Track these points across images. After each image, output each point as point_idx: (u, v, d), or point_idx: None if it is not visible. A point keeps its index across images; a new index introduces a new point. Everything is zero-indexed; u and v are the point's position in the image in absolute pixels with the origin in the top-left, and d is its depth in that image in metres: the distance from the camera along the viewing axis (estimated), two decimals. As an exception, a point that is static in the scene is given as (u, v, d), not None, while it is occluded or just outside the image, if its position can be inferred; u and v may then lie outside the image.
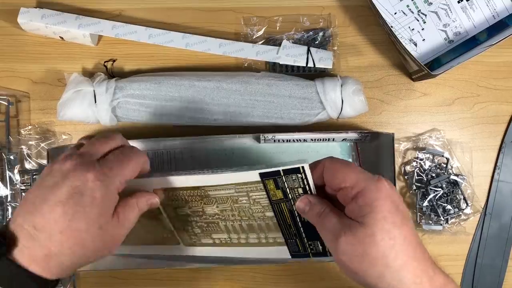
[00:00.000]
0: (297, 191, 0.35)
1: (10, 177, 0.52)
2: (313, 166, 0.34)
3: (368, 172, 0.33)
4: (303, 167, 0.34)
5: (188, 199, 0.40)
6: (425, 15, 0.53)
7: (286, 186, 0.35)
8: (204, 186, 0.38)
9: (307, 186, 0.35)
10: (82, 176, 0.32)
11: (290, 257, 0.41)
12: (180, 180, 0.38)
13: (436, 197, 0.53)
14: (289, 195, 0.36)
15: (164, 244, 0.46)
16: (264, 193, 0.37)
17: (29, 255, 0.31)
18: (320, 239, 0.37)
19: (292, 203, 0.36)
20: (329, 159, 0.34)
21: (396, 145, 0.54)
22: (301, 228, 0.38)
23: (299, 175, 0.34)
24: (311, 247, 0.39)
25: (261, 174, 0.35)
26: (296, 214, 0.37)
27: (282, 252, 0.41)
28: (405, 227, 0.31)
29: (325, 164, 0.34)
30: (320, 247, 0.39)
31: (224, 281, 0.55)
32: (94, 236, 0.32)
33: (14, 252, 0.30)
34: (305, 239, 0.39)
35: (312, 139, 0.53)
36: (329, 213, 0.33)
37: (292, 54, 0.53)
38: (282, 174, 0.35)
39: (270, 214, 0.39)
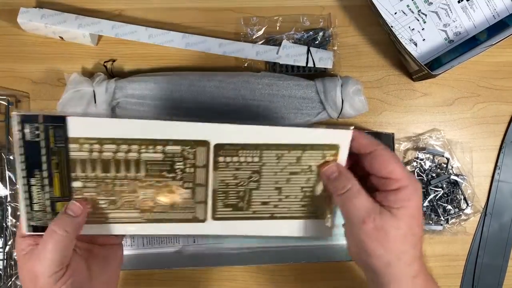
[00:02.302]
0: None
1: (10, 177, 0.52)
2: (361, 138, 0.36)
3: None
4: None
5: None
6: (425, 15, 0.53)
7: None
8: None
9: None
10: None
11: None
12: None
13: (437, 197, 0.53)
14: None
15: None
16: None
17: None
18: None
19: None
20: (381, 148, 0.35)
21: (396, 145, 0.54)
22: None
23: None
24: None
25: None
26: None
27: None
28: (422, 226, 0.35)
29: (376, 150, 0.35)
30: None
31: (223, 281, 0.55)
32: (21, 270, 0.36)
33: None
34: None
35: (312, 139, 0.53)
36: (359, 191, 0.34)
37: (292, 54, 0.53)
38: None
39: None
